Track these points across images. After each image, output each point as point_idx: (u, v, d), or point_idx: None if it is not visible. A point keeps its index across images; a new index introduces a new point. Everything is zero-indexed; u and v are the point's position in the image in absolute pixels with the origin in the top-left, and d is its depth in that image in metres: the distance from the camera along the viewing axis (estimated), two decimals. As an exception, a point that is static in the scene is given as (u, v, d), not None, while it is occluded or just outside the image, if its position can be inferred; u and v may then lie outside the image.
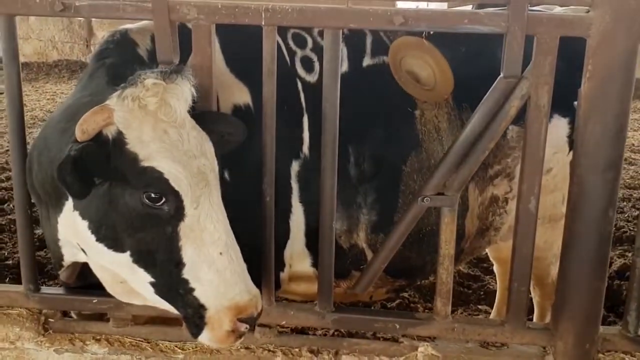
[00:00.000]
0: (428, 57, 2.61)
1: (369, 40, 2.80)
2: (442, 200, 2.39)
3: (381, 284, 2.89)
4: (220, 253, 2.03)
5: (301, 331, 3.45)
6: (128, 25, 2.54)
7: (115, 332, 2.60)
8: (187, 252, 2.04)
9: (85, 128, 2.00)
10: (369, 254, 2.78)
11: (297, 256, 2.76)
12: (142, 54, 2.49)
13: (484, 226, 2.97)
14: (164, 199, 2.01)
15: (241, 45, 2.53)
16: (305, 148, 2.66)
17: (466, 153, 2.35)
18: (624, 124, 2.22)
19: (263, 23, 2.27)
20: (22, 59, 2.92)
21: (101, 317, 2.65)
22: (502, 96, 2.28)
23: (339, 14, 2.25)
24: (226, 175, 2.52)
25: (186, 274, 2.04)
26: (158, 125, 2.02)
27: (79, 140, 2.00)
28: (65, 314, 2.71)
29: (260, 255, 2.51)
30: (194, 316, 2.06)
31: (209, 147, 2.15)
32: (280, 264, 2.70)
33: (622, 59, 2.16)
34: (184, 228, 2.04)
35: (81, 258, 2.32)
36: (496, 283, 4.62)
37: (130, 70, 2.12)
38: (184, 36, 2.36)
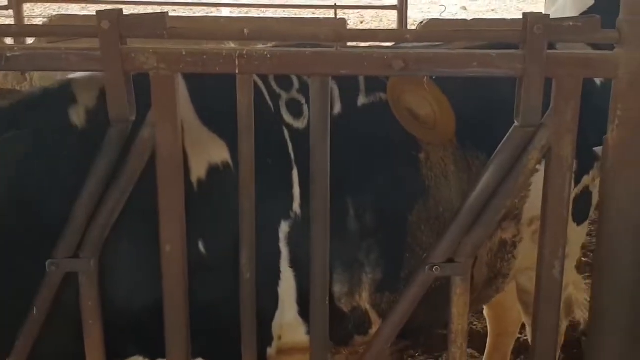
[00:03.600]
0: (426, 94, 2.31)
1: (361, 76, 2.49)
2: (454, 268, 2.06)
3: None
4: None
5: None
6: (75, 75, 2.16)
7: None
8: None
9: None
10: (373, 316, 2.49)
11: (288, 327, 2.43)
12: (74, 119, 2.13)
13: (492, 274, 2.69)
14: None
15: (215, 92, 2.19)
16: (296, 206, 2.33)
17: (479, 213, 2.03)
18: (659, 176, 1.94)
19: (237, 71, 1.91)
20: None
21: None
22: (519, 148, 1.97)
23: (327, 60, 1.91)
24: (201, 246, 2.18)
25: None
26: None
27: None
28: None
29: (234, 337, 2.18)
30: None
31: None
32: (267, 339, 2.36)
33: (656, 103, 1.88)
34: None
35: None
36: (479, 322, 4.38)
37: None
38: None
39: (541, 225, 2.04)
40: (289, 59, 1.91)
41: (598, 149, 2.06)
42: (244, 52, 1.89)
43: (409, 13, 8.64)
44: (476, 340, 4.14)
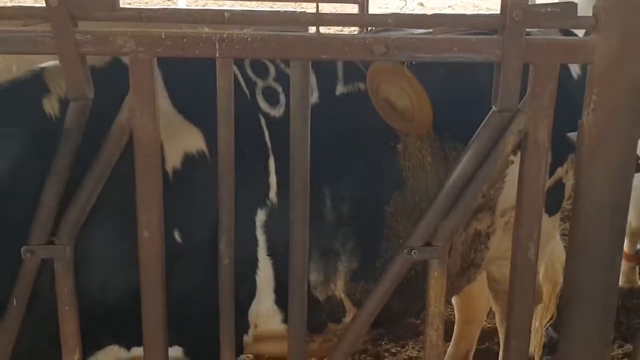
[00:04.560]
0: (405, 84, 2.31)
1: (340, 64, 2.48)
2: (431, 252, 2.08)
3: None
4: None
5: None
6: (48, 63, 2.10)
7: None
8: None
9: None
10: (348, 304, 2.50)
11: (265, 315, 2.43)
12: (48, 109, 2.08)
13: (465, 265, 2.72)
14: None
15: (189, 79, 2.16)
16: (273, 194, 2.31)
17: (456, 197, 2.05)
18: (632, 160, 1.98)
19: (217, 55, 1.89)
20: None
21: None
22: (497, 132, 2.00)
23: (308, 44, 1.90)
24: (177, 236, 2.15)
25: None
26: None
27: None
28: None
29: (212, 326, 2.16)
30: None
31: None
32: (244, 327, 2.35)
33: (630, 88, 1.92)
34: None
35: None
36: (445, 311, 4.43)
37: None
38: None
39: (517, 209, 2.08)
40: (270, 43, 1.89)
41: (572, 135, 2.10)
42: (225, 35, 1.87)
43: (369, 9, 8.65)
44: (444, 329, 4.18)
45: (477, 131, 2.02)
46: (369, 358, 4.03)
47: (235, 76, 2.33)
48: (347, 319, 2.54)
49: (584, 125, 1.98)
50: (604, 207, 2.00)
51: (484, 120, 2.01)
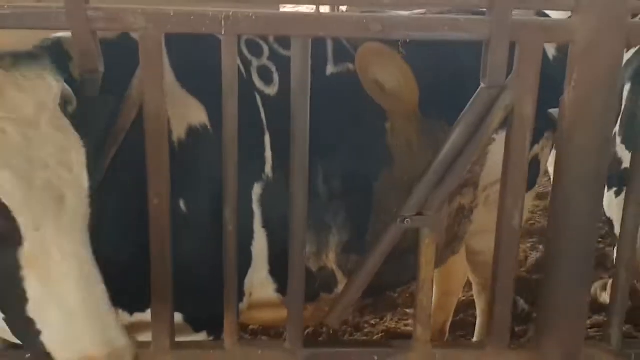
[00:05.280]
0: (392, 66, 2.42)
1: (330, 46, 2.58)
2: (423, 220, 2.21)
3: None
4: (71, 290, 1.61)
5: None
6: (60, 34, 2.16)
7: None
8: (31, 286, 1.62)
9: None
10: (339, 276, 2.59)
11: (259, 284, 2.52)
12: (75, 74, 2.13)
13: (450, 237, 2.84)
14: None
15: (192, 56, 2.24)
16: (268, 169, 2.41)
17: (447, 169, 2.19)
18: (609, 133, 2.13)
19: (223, 32, 1.99)
20: None
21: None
22: (485, 108, 2.13)
23: (309, 21, 2.01)
24: (182, 205, 2.24)
25: (31, 312, 1.63)
26: None
27: None
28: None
29: (218, 293, 2.27)
30: None
31: (77, 158, 1.72)
32: (239, 295, 2.44)
33: (608, 66, 2.07)
34: (25, 255, 1.61)
35: None
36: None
37: None
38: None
39: (502, 181, 2.22)
40: (272, 21, 2.00)
41: (554, 111, 2.24)
42: (230, 13, 1.97)
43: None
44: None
45: (467, 106, 2.14)
46: (349, 329, 4.16)
47: None
48: (339, 289, 2.65)
49: (565, 101, 2.12)
50: (584, 177, 2.15)
51: (474, 96, 2.13)
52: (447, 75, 2.70)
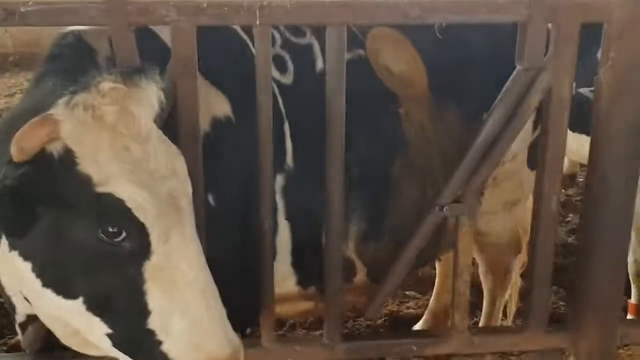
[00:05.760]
0: (402, 51, 2.38)
1: None
2: (461, 208, 2.18)
3: (364, 292, 2.65)
4: (197, 297, 1.64)
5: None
6: (80, 27, 2.07)
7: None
8: (154, 298, 1.63)
9: (23, 145, 1.56)
10: (359, 265, 2.55)
11: (281, 276, 2.46)
12: (101, 62, 2.05)
13: None
14: (124, 234, 1.60)
15: (214, 48, 2.17)
16: (289, 159, 2.35)
17: (484, 154, 2.16)
18: (646, 112, 2.12)
19: (257, 22, 1.93)
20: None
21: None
22: (523, 90, 2.10)
23: (344, 9, 1.96)
24: (210, 200, 2.18)
25: (152, 324, 1.64)
26: (117, 141, 1.61)
27: (15, 160, 1.58)
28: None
29: (244, 288, 2.22)
30: None
31: (181, 164, 1.75)
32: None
33: (646, 45, 2.05)
34: (150, 268, 1.63)
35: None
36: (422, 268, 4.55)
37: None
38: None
39: (540, 163, 2.19)
40: (309, 10, 1.94)
41: (584, 90, 2.22)
42: (265, 3, 1.91)
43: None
44: (421, 284, 4.32)
45: (504, 89, 2.12)
46: (349, 312, 4.12)
47: (246, 44, 2.35)
48: (357, 278, 2.62)
49: (601, 81, 2.10)
50: (620, 157, 2.14)
51: (510, 78, 2.10)
52: (456, 59, 2.67)
